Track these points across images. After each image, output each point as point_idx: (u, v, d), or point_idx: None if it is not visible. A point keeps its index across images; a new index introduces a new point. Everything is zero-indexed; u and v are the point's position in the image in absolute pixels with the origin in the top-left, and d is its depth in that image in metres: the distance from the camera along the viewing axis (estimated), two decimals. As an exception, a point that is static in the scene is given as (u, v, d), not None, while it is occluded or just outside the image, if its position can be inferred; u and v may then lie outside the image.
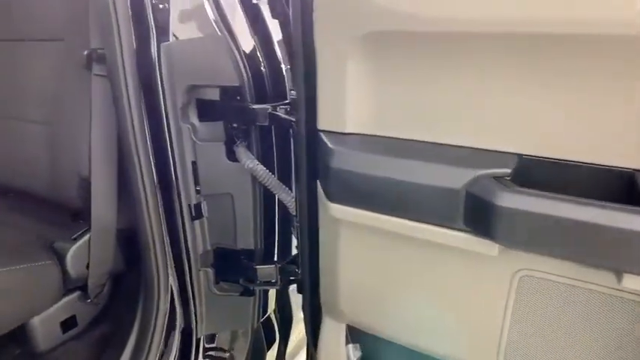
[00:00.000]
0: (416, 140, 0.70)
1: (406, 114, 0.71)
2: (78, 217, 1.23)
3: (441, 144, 0.69)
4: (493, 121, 0.64)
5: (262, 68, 1.04)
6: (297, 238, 1.03)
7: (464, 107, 0.66)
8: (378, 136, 0.74)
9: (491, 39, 0.62)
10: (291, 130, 1.05)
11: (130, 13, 0.94)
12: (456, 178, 0.63)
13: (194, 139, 1.05)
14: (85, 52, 1.05)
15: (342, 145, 0.75)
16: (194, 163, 1.07)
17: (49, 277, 1.07)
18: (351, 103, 0.74)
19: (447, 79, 0.67)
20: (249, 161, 1.01)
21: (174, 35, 1.01)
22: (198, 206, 1.11)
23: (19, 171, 1.30)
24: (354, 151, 0.73)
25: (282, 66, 1.10)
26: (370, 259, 0.80)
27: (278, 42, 1.09)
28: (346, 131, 0.76)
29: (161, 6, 0.99)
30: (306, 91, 0.81)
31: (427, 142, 0.70)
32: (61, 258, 1.10)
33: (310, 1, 0.75)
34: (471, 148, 0.66)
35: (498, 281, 0.67)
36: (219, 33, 1.00)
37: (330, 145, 0.75)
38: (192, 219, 1.11)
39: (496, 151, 0.64)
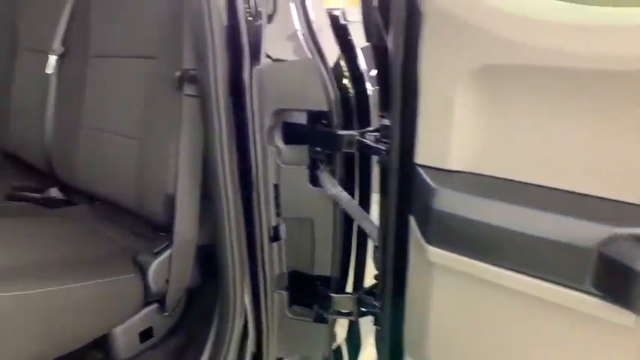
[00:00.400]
0: (534, 184, 0.64)
1: (523, 154, 0.65)
2: (160, 229, 1.27)
3: (565, 190, 0.61)
4: (632, 169, 0.56)
5: (349, 93, 1.01)
6: (379, 270, 0.99)
7: (596, 151, 0.58)
8: (488, 176, 0.68)
9: (629, 77, 0.54)
10: (377, 159, 1.01)
11: (225, 34, 0.95)
12: (587, 234, 0.55)
13: (278, 162, 1.04)
14: (177, 73, 1.07)
15: (446, 184, 0.69)
16: (276, 186, 1.06)
17: (131, 290, 1.10)
18: (458, 138, 0.69)
19: (575, 119, 0.60)
20: (333, 187, 0.98)
21: (266, 55, 1.01)
22: (277, 228, 1.10)
23: (107, 181, 1.36)
24: (461, 192, 0.67)
25: (368, 87, 1.07)
26: (468, 307, 0.74)
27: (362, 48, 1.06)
28: (450, 168, 0.71)
29: (256, 23, 0.98)
30: (403, 121, 0.77)
31: (547, 187, 0.63)
32: (143, 271, 1.12)
33: (417, 30, 0.71)
34: (603, 198, 0.58)
35: (630, 353, 0.58)
36: (309, 54, 0.99)
37: (431, 183, 0.70)
38: (271, 240, 1.10)
39: (635, 205, 0.56)
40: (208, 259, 1.25)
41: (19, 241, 1.18)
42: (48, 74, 1.50)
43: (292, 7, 1.04)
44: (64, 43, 1.49)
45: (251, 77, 0.97)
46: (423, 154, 0.74)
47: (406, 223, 0.80)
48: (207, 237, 1.19)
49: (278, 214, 1.08)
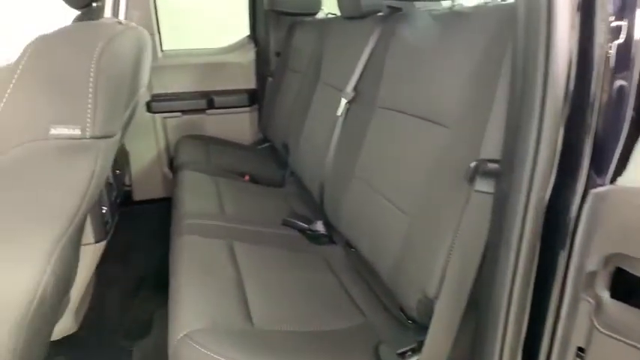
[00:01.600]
0: None
1: None
2: (406, 315, 1.12)
3: None
4: None
5: None
6: None
7: None
8: None
9: None
10: None
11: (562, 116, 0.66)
12: None
13: (594, 320, 0.71)
14: (473, 164, 0.86)
15: None
16: (581, 350, 0.73)
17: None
18: None
19: None
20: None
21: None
22: (565, 399, 0.78)
23: (367, 240, 1.28)
24: None
25: None
26: None
27: None
28: None
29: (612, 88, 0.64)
30: None
31: None
32: (380, 369, 0.99)
33: None
34: None
35: None
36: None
37: None
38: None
39: None
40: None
41: (282, 287, 1.23)
42: (337, 115, 1.53)
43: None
44: (355, 88, 1.48)
45: (582, 204, 0.66)
46: None
47: None
48: (462, 356, 0.96)
49: (572, 385, 0.76)
